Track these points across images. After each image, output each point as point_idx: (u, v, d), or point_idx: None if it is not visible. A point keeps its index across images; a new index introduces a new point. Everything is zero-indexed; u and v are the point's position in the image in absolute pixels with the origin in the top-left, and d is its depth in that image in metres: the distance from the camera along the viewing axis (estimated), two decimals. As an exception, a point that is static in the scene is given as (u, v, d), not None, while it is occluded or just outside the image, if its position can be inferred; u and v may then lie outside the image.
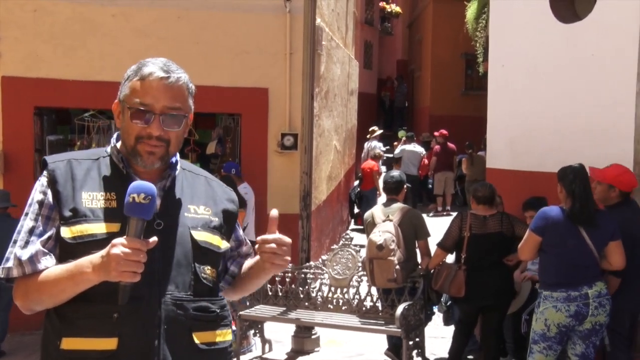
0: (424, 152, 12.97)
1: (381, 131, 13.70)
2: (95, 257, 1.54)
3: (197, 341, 1.66)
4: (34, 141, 6.63)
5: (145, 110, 1.66)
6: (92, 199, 1.64)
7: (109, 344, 1.58)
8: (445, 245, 4.84)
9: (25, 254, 1.61)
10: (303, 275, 5.68)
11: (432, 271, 4.97)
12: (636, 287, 4.12)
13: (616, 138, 5.00)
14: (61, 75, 6.43)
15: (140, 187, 1.54)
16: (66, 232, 1.62)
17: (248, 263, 1.90)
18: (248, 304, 5.59)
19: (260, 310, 5.60)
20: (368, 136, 13.16)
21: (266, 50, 6.88)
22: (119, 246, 1.49)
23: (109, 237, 1.56)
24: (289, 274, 5.68)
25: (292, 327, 5.90)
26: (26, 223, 1.65)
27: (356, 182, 11.94)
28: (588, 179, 3.97)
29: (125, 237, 1.52)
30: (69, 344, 1.60)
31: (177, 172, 1.77)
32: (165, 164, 1.72)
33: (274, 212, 1.73)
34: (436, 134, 12.98)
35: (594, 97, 5.26)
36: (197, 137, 7.96)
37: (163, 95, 1.66)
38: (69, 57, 6.44)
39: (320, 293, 5.58)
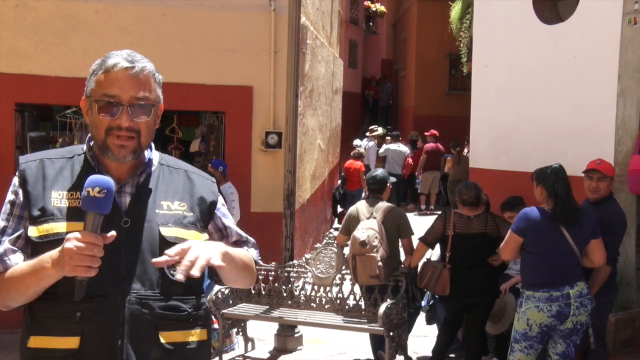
0: (409, 152, 13.02)
1: (381, 130, 13.76)
2: (54, 252, 1.53)
3: (163, 341, 1.63)
4: (15, 138, 6.54)
5: (113, 102, 1.64)
6: (61, 197, 1.64)
7: (71, 342, 1.57)
8: (427, 240, 4.84)
9: None
10: (286, 274, 5.66)
11: (416, 268, 4.97)
12: (613, 284, 4.17)
13: (597, 138, 5.07)
14: (43, 71, 6.35)
15: (96, 181, 1.53)
16: (33, 232, 1.62)
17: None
18: (231, 302, 5.56)
19: (243, 308, 5.58)
20: (367, 134, 13.48)
21: (251, 49, 6.85)
22: (72, 240, 1.47)
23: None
24: (272, 273, 5.66)
25: (275, 326, 5.88)
26: None
27: (339, 182, 11.94)
28: (568, 179, 4.00)
29: (80, 231, 1.50)
30: (35, 342, 1.61)
31: (153, 168, 1.76)
32: (137, 157, 1.70)
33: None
34: (427, 133, 13.04)
35: (576, 97, 5.31)
36: (181, 135, 7.92)
37: (129, 85, 1.64)
38: (51, 54, 6.37)
39: (303, 292, 5.57)
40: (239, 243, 1.88)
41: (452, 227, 4.66)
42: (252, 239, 1.93)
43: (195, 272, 1.51)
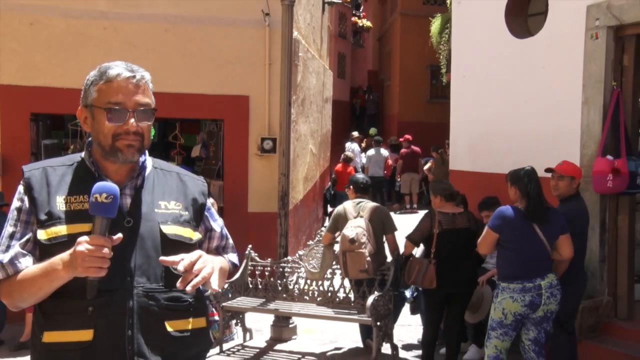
0: (387, 154, 13.10)
1: (360, 136, 14.08)
2: (65, 255, 1.53)
3: (169, 329, 1.65)
4: (30, 145, 6.57)
5: (120, 109, 1.64)
6: (66, 202, 1.63)
7: (85, 335, 1.57)
8: (413, 239, 4.84)
9: (6, 258, 1.61)
10: (281, 269, 5.67)
11: (404, 258, 4.96)
12: (582, 274, 4.21)
13: (564, 142, 5.10)
14: (56, 83, 6.36)
15: (103, 188, 1.53)
16: (42, 235, 1.62)
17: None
18: (230, 295, 5.56)
19: (241, 301, 5.58)
20: (351, 138, 13.82)
21: (247, 61, 6.85)
22: (84, 244, 1.48)
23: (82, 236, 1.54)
24: (268, 268, 5.67)
25: (271, 317, 5.88)
26: (7, 229, 1.66)
27: (330, 183, 11.96)
28: (539, 180, 4.04)
29: (90, 235, 1.51)
30: (49, 337, 1.60)
31: (147, 171, 1.76)
32: (140, 156, 1.71)
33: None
34: (401, 139, 13.17)
35: (545, 105, 5.34)
36: (183, 142, 7.90)
37: (133, 93, 1.65)
38: (63, 67, 6.36)
39: (297, 285, 5.58)
40: (219, 248, 1.89)
41: (438, 225, 4.67)
42: (231, 242, 1.94)
43: (189, 288, 1.55)
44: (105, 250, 1.49)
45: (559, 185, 4.23)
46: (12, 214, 1.66)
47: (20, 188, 1.68)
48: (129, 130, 1.64)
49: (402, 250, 4.99)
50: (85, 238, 1.49)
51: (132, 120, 1.64)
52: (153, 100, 1.73)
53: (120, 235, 1.53)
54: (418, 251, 5.06)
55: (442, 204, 4.76)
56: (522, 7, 5.78)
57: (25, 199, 1.65)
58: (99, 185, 1.54)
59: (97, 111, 1.66)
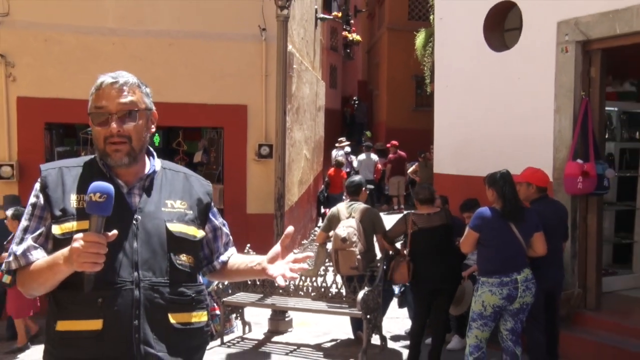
0: (377, 159, 13.13)
1: (347, 142, 13.96)
2: (65, 250, 1.52)
3: (172, 321, 1.65)
4: (45, 152, 6.61)
5: (102, 113, 1.64)
6: (79, 200, 1.63)
7: (95, 324, 1.58)
8: (388, 237, 4.96)
9: (19, 250, 1.63)
10: (278, 266, 5.66)
11: (388, 251, 5.02)
12: (551, 268, 4.23)
13: (538, 147, 5.13)
14: (68, 95, 6.38)
15: (97, 188, 1.50)
16: (56, 229, 1.62)
17: (240, 260, 1.88)
18: (230, 291, 5.57)
19: (240, 297, 5.59)
20: (337, 145, 13.47)
21: (245, 73, 6.87)
22: (79, 240, 1.47)
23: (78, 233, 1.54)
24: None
25: (268, 311, 5.89)
26: (22, 223, 1.67)
27: (323, 186, 11.97)
28: (514, 183, 4.07)
29: (85, 232, 1.50)
30: (63, 326, 1.60)
31: (156, 173, 1.75)
32: (134, 159, 1.68)
33: (290, 229, 1.77)
34: (388, 145, 13.22)
35: (520, 113, 5.38)
36: (186, 148, 7.93)
37: (114, 96, 1.64)
38: (74, 80, 6.39)
39: (292, 281, 5.59)
40: (227, 245, 1.89)
41: (411, 226, 4.67)
42: (231, 237, 1.92)
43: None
44: (100, 246, 1.47)
45: (520, 190, 4.22)
46: (28, 209, 1.67)
47: (37, 185, 1.68)
48: (113, 132, 1.63)
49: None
50: (80, 235, 1.48)
51: (114, 123, 1.63)
52: (144, 101, 1.70)
53: (115, 232, 1.50)
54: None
55: (419, 206, 4.78)
56: (499, 23, 5.83)
57: (41, 196, 1.65)
58: (94, 185, 1.51)
59: (91, 118, 1.68)
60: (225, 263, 1.88)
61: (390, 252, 5.03)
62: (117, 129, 1.62)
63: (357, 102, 20.20)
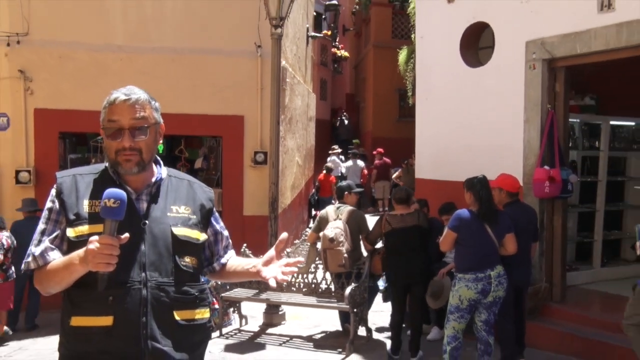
0: (364, 165, 13.22)
1: (339, 150, 14.05)
2: (81, 251, 1.53)
3: (177, 318, 1.65)
4: (59, 159, 6.67)
5: (116, 127, 1.64)
6: (92, 205, 1.63)
7: (106, 321, 1.58)
8: (369, 239, 5.03)
9: (37, 251, 1.63)
10: (272, 264, 5.67)
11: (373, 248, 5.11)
12: (521, 266, 4.29)
13: (510, 155, 5.20)
14: (80, 107, 6.45)
15: (112, 194, 1.51)
16: (70, 232, 1.62)
17: (237, 262, 1.88)
18: (228, 287, 5.58)
19: (237, 292, 5.60)
20: (330, 152, 13.63)
21: (242, 86, 6.91)
22: (94, 242, 1.48)
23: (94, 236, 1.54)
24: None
25: (263, 306, 5.89)
26: (39, 226, 1.67)
27: (314, 190, 12.02)
28: (490, 187, 4.14)
29: (99, 235, 1.51)
30: (76, 321, 1.61)
31: (162, 180, 1.75)
32: (143, 169, 1.68)
33: (284, 235, 1.77)
34: (374, 152, 13.33)
35: (493, 124, 5.45)
36: (187, 155, 7.93)
37: (127, 112, 1.64)
38: (86, 93, 6.45)
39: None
40: (226, 248, 1.89)
41: (384, 226, 4.71)
42: (230, 241, 1.92)
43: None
44: (113, 248, 1.48)
45: (494, 195, 4.26)
46: (44, 213, 1.67)
47: (53, 191, 1.68)
48: (125, 147, 1.63)
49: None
50: (95, 237, 1.49)
51: (127, 137, 1.63)
52: (154, 116, 1.69)
53: (127, 235, 1.50)
54: None
55: (396, 205, 4.80)
56: (474, 42, 5.92)
57: (56, 201, 1.66)
58: (108, 191, 1.51)
59: (103, 131, 1.68)
60: (224, 265, 1.88)
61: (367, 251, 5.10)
62: (129, 143, 1.63)
63: (341, 119, 19.80)
